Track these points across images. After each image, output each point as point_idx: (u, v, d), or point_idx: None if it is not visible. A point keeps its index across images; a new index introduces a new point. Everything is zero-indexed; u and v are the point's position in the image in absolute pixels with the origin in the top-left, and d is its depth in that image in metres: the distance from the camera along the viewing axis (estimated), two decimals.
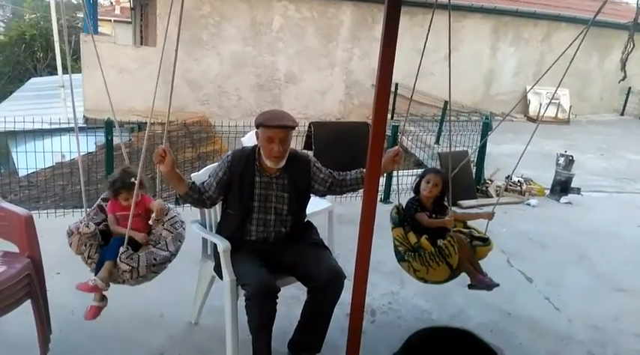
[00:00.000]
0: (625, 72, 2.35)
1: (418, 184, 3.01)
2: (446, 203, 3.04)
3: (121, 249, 2.38)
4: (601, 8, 2.27)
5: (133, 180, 2.46)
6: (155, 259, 2.45)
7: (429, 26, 2.58)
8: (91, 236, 2.46)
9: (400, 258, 2.89)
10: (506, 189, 6.04)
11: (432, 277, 2.83)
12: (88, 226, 2.45)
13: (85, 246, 2.45)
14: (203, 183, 2.59)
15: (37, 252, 2.51)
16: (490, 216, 3.01)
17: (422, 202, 2.98)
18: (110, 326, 2.87)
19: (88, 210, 2.59)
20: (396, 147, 2.74)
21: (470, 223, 3.13)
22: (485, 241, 2.99)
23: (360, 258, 2.24)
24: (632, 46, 2.27)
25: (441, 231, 2.87)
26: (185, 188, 2.48)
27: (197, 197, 2.54)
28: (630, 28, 2.33)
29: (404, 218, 2.96)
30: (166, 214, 2.61)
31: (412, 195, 3.06)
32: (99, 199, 2.70)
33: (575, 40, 2.30)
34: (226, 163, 2.56)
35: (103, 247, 2.49)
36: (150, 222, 2.57)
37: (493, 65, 12.49)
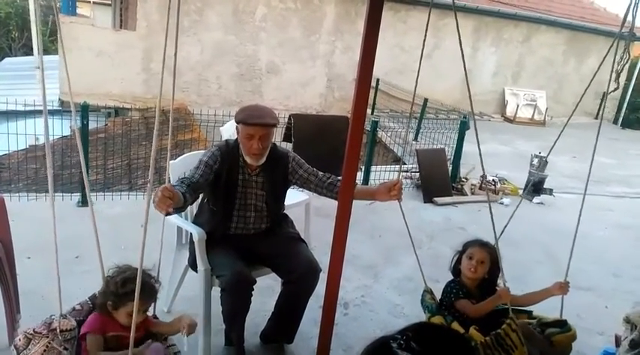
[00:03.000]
0: (618, 83, 2.37)
1: (458, 261, 2.38)
2: (500, 284, 2.31)
3: None
4: (624, 22, 2.24)
5: (154, 283, 1.89)
6: None
7: (427, 25, 2.55)
8: (71, 338, 1.69)
9: None
10: (480, 188, 6.14)
11: None
12: (67, 317, 1.73)
13: None
14: (186, 180, 2.33)
15: (7, 235, 2.47)
16: (564, 288, 2.31)
17: (464, 285, 2.34)
18: None
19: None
20: (397, 179, 2.43)
21: (535, 312, 2.43)
22: (564, 326, 2.27)
23: (334, 251, 2.26)
24: (627, 57, 2.30)
25: (494, 320, 2.20)
26: (181, 202, 2.20)
27: (192, 201, 2.36)
28: (626, 39, 2.36)
29: (441, 305, 2.36)
30: (165, 339, 2.04)
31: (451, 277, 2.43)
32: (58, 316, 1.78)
33: (609, 50, 2.18)
34: (218, 156, 2.47)
35: None
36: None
37: (473, 65, 12.61)
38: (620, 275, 4.32)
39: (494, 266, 2.28)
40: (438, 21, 10.59)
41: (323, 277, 2.49)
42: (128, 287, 1.76)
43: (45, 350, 1.56)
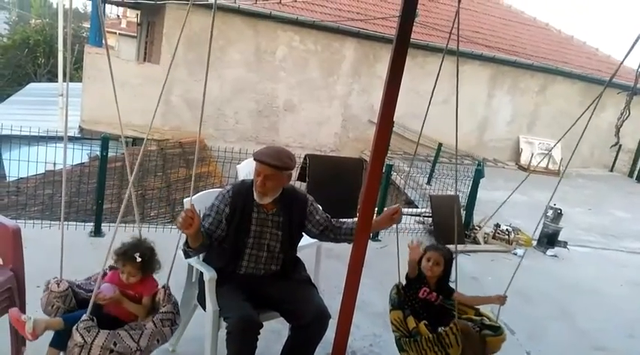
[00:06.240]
0: (618, 138, 2.40)
1: (419, 262, 2.76)
2: (452, 285, 2.74)
3: (84, 317, 2.02)
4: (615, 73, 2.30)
5: (137, 256, 2.18)
6: (115, 344, 2.02)
7: (438, 72, 2.64)
8: (60, 296, 2.12)
9: (400, 347, 2.62)
10: (494, 237, 6.07)
11: None
12: (58, 284, 2.14)
13: (52, 307, 2.10)
14: (204, 223, 2.51)
15: (20, 264, 2.46)
16: (502, 300, 2.71)
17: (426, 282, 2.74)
18: None
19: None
20: (397, 206, 2.73)
21: (482, 309, 2.79)
22: (497, 330, 2.65)
23: (345, 300, 2.23)
24: (627, 113, 2.33)
25: (444, 318, 2.61)
26: (201, 239, 2.39)
27: (208, 243, 2.48)
28: (628, 96, 2.39)
29: (404, 299, 2.69)
30: (164, 305, 2.23)
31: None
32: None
33: (592, 103, 2.29)
34: (228, 198, 2.54)
35: None
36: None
37: (488, 112, 12.68)
38: (634, 336, 4.19)
39: (448, 266, 2.70)
40: (455, 68, 10.72)
41: (331, 323, 2.45)
42: (120, 250, 2.21)
43: (47, 298, 2.14)
